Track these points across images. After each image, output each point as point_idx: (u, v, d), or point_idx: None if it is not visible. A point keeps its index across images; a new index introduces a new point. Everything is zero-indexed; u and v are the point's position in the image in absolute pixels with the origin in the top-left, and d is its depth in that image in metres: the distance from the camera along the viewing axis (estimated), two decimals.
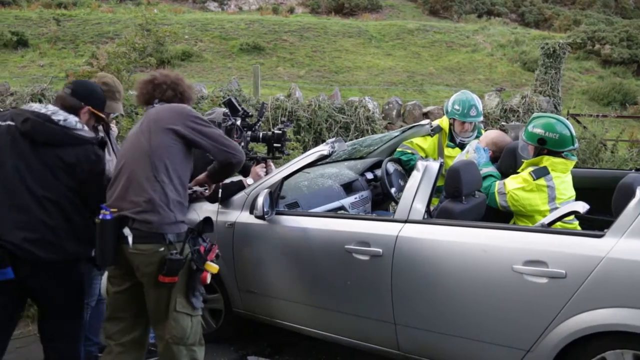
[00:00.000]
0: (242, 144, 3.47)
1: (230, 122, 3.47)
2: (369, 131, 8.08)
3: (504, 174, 3.62)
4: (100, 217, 2.53)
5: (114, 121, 3.96)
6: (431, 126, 4.35)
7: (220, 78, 14.11)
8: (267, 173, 3.55)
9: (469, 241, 2.75)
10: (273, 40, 18.05)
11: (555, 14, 26.96)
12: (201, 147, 2.69)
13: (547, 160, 3.30)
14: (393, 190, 4.03)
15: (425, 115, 9.56)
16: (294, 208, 3.63)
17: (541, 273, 2.50)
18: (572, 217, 3.18)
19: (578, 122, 9.65)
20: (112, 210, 2.54)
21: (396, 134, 4.53)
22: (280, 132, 3.54)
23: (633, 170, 3.76)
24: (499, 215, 3.45)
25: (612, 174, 3.89)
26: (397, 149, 4.40)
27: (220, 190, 3.20)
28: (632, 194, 2.53)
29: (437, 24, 22.19)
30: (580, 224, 3.33)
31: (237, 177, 3.58)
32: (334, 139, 3.38)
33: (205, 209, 3.52)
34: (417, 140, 4.34)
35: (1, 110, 4.48)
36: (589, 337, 2.42)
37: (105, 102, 2.94)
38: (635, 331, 2.31)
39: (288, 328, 3.47)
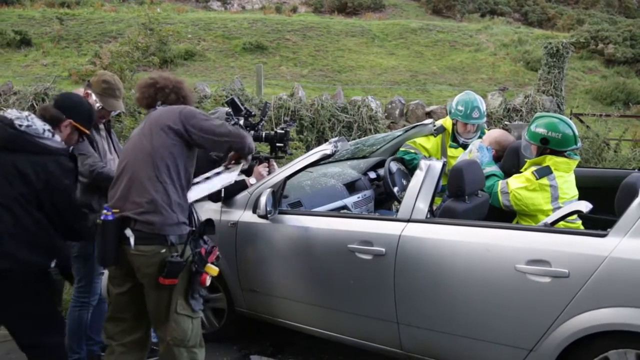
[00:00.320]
0: None
1: (233, 122, 3.46)
2: (372, 130, 8.09)
3: (507, 174, 3.61)
4: (102, 217, 2.52)
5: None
6: (434, 125, 4.35)
7: (223, 77, 14.14)
8: (269, 172, 3.56)
9: (472, 240, 2.75)
10: (276, 40, 18.04)
11: (559, 14, 26.88)
12: (201, 146, 2.69)
13: (549, 160, 3.30)
14: (396, 189, 4.02)
15: (428, 114, 9.57)
16: (296, 207, 3.64)
17: (544, 272, 2.49)
18: (575, 216, 3.19)
19: (581, 121, 9.62)
20: (114, 210, 2.54)
21: (399, 133, 4.53)
22: (283, 131, 3.53)
23: (636, 170, 3.75)
24: (502, 214, 3.45)
25: (615, 174, 3.89)
26: (400, 149, 4.39)
27: (222, 190, 3.20)
28: (635, 194, 2.53)
29: (440, 24, 22.15)
30: (583, 224, 3.33)
31: (240, 177, 3.58)
32: (336, 138, 3.38)
33: (208, 208, 3.53)
34: (420, 141, 4.34)
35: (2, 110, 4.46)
36: (592, 337, 2.42)
37: (92, 119, 2.86)
38: (638, 330, 2.31)
39: (290, 327, 3.47)
